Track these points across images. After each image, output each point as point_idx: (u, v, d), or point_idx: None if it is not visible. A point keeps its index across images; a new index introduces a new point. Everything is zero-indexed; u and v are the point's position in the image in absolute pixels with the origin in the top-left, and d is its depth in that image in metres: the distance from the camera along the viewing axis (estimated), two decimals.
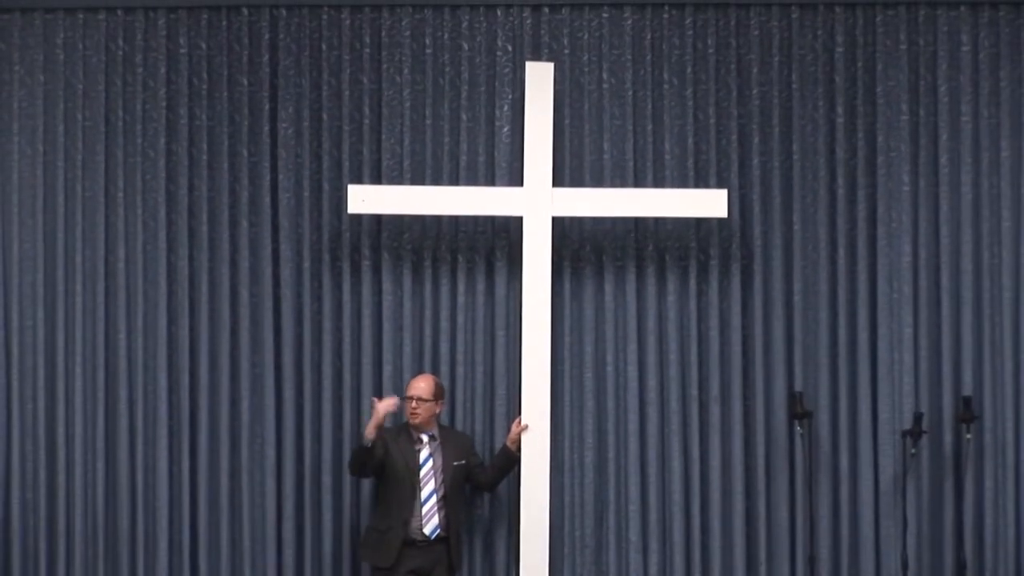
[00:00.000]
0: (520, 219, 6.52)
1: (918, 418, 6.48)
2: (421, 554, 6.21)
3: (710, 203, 6.53)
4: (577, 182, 6.69)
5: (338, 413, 6.68)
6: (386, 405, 6.16)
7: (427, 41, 6.71)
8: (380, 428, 6.12)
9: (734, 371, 6.68)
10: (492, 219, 6.67)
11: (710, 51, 6.71)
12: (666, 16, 6.72)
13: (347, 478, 6.59)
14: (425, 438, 6.33)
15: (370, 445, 6.11)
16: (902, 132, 6.69)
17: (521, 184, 6.55)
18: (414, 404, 6.28)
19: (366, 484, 6.53)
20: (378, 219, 6.68)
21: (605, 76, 6.72)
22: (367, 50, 6.71)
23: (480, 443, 6.62)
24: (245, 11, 6.70)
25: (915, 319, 6.66)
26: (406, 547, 6.18)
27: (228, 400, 6.65)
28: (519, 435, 6.40)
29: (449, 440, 6.39)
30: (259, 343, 6.66)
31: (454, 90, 6.73)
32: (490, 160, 6.72)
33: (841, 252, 6.69)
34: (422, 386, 6.31)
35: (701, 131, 6.73)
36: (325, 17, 6.71)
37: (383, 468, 6.22)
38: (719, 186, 6.65)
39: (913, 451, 6.50)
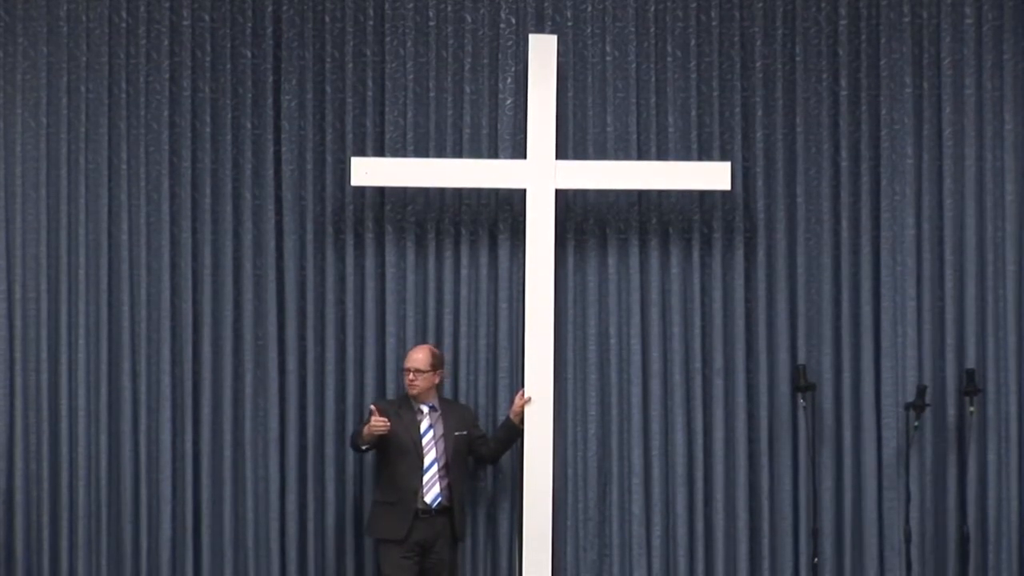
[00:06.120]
0: (523, 192, 6.52)
1: (921, 391, 6.49)
2: (425, 526, 6.21)
3: (714, 176, 6.53)
4: (581, 155, 6.68)
5: (341, 386, 6.68)
6: (378, 427, 6.13)
7: (430, 13, 6.70)
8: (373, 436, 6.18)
9: (737, 344, 6.67)
10: (495, 192, 6.66)
11: (714, 23, 6.70)
12: None
13: (350, 451, 6.59)
14: (425, 409, 6.34)
15: (365, 448, 6.25)
16: (905, 105, 6.68)
17: (524, 157, 6.54)
18: (411, 376, 6.29)
19: (369, 456, 6.53)
20: (381, 191, 6.67)
21: (608, 48, 6.71)
22: (370, 22, 6.70)
23: (483, 416, 6.63)
24: None
25: (918, 292, 6.66)
26: (415, 518, 6.19)
27: (231, 372, 6.64)
28: (522, 408, 6.40)
29: (450, 411, 6.40)
30: (262, 315, 6.66)
31: (457, 62, 6.72)
32: (493, 132, 6.71)
33: (845, 225, 6.69)
34: (419, 357, 6.32)
35: (704, 104, 6.72)
36: None
37: (384, 440, 6.23)
38: (723, 159, 6.65)
39: (916, 424, 6.50)
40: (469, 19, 6.71)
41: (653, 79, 6.71)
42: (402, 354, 6.54)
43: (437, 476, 6.24)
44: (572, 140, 6.70)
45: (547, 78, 6.51)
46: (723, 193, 6.65)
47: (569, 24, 6.72)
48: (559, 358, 6.60)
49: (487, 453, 6.49)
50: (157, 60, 6.64)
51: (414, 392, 6.32)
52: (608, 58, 6.70)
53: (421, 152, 6.68)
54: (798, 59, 6.72)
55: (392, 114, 6.69)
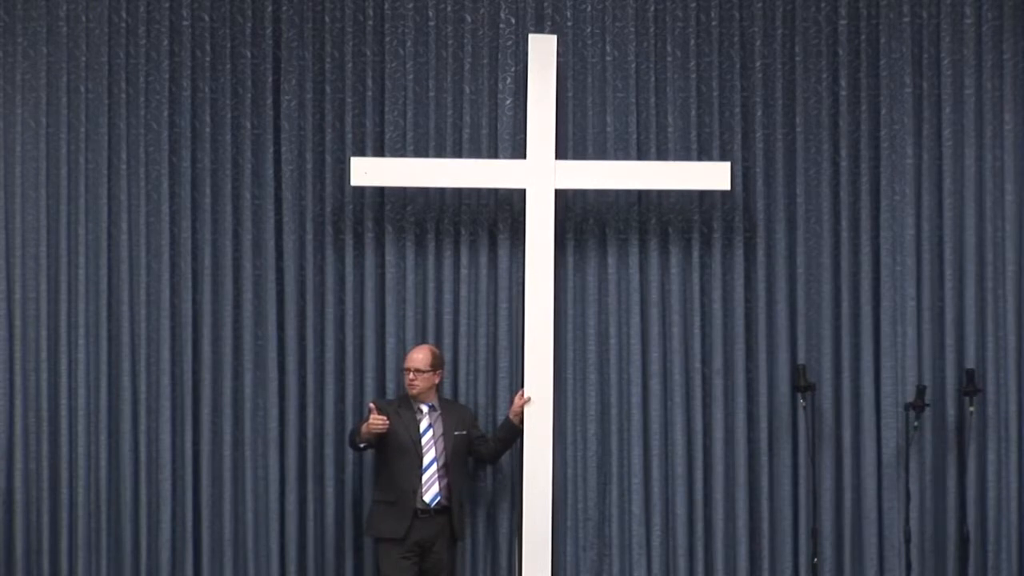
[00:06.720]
0: (523, 192, 6.52)
1: (921, 391, 6.49)
2: (424, 525, 6.22)
3: (713, 176, 6.53)
4: (580, 155, 6.69)
5: (340, 386, 6.68)
6: (377, 425, 6.16)
7: (430, 13, 6.70)
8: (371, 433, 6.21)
9: (737, 344, 6.67)
10: (495, 192, 6.67)
11: (713, 23, 6.70)
12: None
13: (349, 450, 6.59)
14: (425, 408, 6.35)
15: (363, 446, 6.26)
16: (905, 105, 6.68)
17: (524, 157, 6.55)
18: (411, 376, 6.31)
19: (368, 455, 6.53)
20: (381, 191, 6.67)
21: (608, 48, 6.70)
22: (370, 22, 6.70)
23: (483, 416, 6.63)
24: None
25: (918, 292, 6.66)
26: (414, 518, 6.19)
27: (231, 372, 6.64)
28: (522, 408, 6.40)
29: (450, 411, 6.41)
30: (262, 315, 6.66)
31: (457, 62, 6.72)
32: (493, 133, 6.71)
33: (844, 225, 6.69)
34: (419, 357, 6.33)
35: (704, 104, 6.72)
36: None
37: (383, 439, 6.24)
38: (722, 159, 6.65)
39: (916, 424, 6.51)
40: (469, 19, 6.71)
41: (653, 79, 6.71)
42: (402, 354, 6.54)
43: (436, 476, 6.25)
44: (572, 140, 6.70)
45: (547, 78, 6.51)
46: (723, 193, 6.65)
47: (569, 24, 6.72)
48: (559, 358, 6.60)
49: (487, 453, 6.49)
50: (157, 60, 6.64)
51: (414, 392, 6.33)
52: (608, 58, 6.70)
53: (421, 152, 6.68)
54: (798, 59, 6.72)
55: (392, 114, 6.69)
